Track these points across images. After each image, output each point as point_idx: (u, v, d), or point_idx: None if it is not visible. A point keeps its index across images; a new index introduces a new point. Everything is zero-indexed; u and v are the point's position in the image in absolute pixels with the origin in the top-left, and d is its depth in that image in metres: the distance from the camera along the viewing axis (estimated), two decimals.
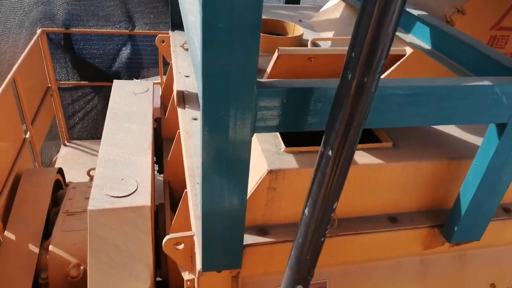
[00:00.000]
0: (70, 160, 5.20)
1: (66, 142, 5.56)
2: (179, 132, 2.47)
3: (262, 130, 1.18)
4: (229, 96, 1.08)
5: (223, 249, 1.47)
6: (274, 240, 1.66)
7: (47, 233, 3.00)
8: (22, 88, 3.82)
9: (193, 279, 1.82)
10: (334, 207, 1.12)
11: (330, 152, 1.02)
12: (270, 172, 1.54)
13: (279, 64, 1.79)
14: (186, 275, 1.84)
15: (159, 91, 4.71)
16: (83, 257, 2.73)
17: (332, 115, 1.00)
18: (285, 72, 1.84)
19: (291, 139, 1.76)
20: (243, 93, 1.08)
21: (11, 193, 3.24)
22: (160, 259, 2.42)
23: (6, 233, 2.93)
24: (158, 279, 2.49)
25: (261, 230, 1.69)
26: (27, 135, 3.88)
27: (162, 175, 3.12)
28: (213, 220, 1.36)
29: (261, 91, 1.12)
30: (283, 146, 1.67)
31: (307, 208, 1.13)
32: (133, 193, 2.19)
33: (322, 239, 1.19)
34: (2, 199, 3.07)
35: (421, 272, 2.02)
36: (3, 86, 3.34)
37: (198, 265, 1.56)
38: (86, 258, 2.78)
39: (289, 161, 1.60)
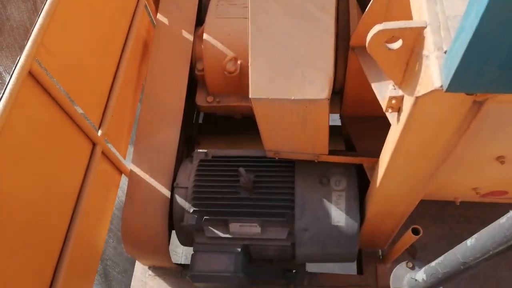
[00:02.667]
0: None
1: None
2: None
3: None
4: None
5: (504, 60, 0.76)
6: None
7: (199, 20, 2.61)
8: None
9: (401, 97, 1.21)
10: None
11: None
12: None
13: None
14: (391, 90, 1.23)
15: None
16: (239, 50, 2.32)
17: None
18: None
19: None
20: None
21: None
22: (336, 64, 1.83)
23: (158, 15, 2.61)
24: None
25: None
26: None
27: None
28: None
29: None
30: None
31: None
32: None
33: None
34: None
35: None
36: None
37: (436, 81, 0.91)
38: (242, 51, 2.39)
39: None
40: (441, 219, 2.44)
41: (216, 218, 2.04)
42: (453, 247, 2.39)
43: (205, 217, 2.04)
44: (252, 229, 2.02)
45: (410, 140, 1.27)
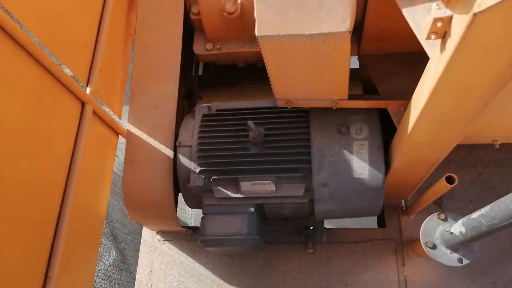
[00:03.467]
0: None
1: None
2: None
3: None
4: None
5: None
6: None
7: None
8: None
9: (449, 18, 0.97)
10: None
11: None
12: None
13: None
14: (435, 10, 0.98)
15: None
16: None
17: None
18: None
19: None
20: None
21: None
22: None
23: None
24: None
25: None
26: None
27: None
28: None
29: None
30: None
31: None
32: None
33: None
34: None
35: None
36: None
37: None
38: None
39: None
40: (469, 164, 2.24)
41: (225, 178, 1.85)
42: (483, 194, 2.22)
43: (213, 177, 1.86)
44: (265, 187, 1.84)
45: (457, 72, 1.04)
